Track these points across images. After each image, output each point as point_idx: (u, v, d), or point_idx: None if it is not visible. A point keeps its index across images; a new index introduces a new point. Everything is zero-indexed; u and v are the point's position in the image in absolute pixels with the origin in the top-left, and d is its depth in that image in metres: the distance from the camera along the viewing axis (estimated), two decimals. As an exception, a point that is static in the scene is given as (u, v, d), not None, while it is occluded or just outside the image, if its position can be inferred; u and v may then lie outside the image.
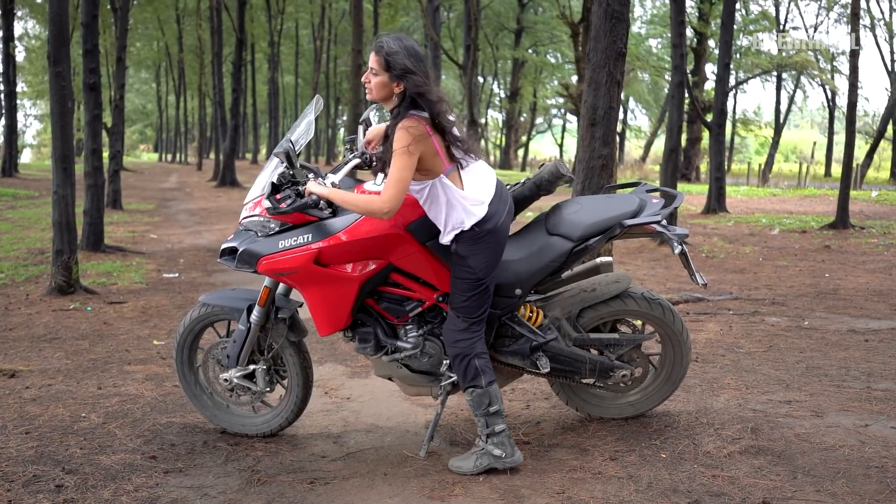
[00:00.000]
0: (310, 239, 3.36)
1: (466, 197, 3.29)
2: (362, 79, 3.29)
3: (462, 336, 3.39)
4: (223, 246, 3.59)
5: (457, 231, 3.30)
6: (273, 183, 3.41)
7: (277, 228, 3.46)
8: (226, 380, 3.78)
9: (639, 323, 3.89)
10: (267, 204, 3.35)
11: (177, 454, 3.65)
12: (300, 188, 3.35)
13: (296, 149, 3.40)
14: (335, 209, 3.41)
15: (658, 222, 3.54)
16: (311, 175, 3.46)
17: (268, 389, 3.81)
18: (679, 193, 3.82)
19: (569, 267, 3.66)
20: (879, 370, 4.90)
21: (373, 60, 3.20)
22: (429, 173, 3.25)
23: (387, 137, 3.26)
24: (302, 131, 3.59)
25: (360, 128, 3.72)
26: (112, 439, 3.79)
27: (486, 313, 3.44)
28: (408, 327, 3.58)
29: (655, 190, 3.89)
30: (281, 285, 3.69)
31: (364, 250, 3.37)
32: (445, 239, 3.34)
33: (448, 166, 3.27)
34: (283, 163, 3.33)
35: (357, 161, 3.62)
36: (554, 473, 3.38)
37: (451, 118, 3.27)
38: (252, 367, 3.76)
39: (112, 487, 3.26)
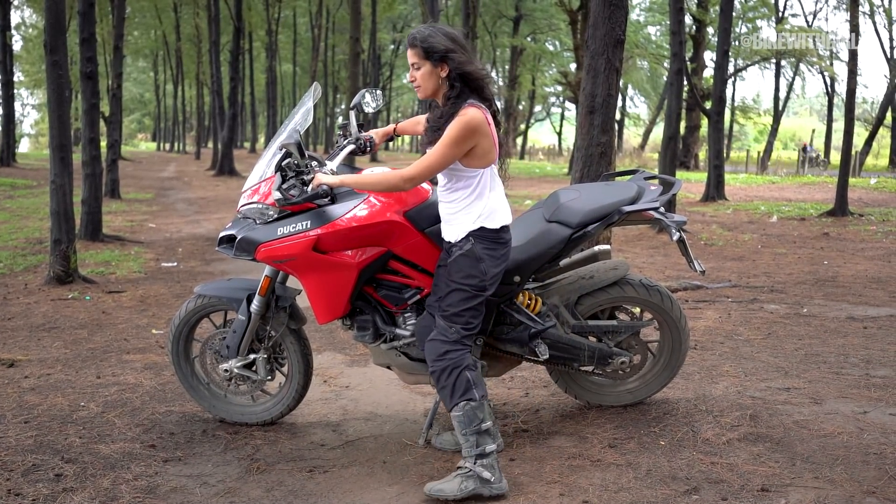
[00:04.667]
0: (308, 226, 3.35)
1: (503, 194, 3.22)
2: (408, 80, 3.16)
3: (453, 348, 3.15)
4: (221, 234, 3.58)
5: (483, 226, 3.13)
6: (279, 173, 3.39)
7: (276, 216, 3.45)
8: (225, 370, 3.77)
9: (637, 310, 3.89)
10: (277, 195, 3.31)
11: (176, 443, 3.65)
12: (305, 177, 3.33)
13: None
14: (334, 196, 3.40)
15: (656, 209, 3.53)
16: (315, 164, 3.44)
17: (268, 378, 3.82)
18: (677, 180, 3.81)
19: (567, 254, 3.66)
20: (878, 357, 4.90)
21: (411, 56, 3.08)
22: (483, 163, 3.10)
23: (437, 125, 3.10)
24: (300, 119, 3.57)
25: (352, 113, 3.70)
26: (111, 428, 3.79)
27: (479, 326, 3.27)
28: (406, 315, 3.57)
29: (654, 177, 3.89)
30: (279, 273, 3.68)
31: (363, 237, 3.36)
32: (464, 227, 3.14)
33: (496, 157, 3.17)
34: (292, 154, 3.30)
35: (352, 147, 3.62)
36: (553, 461, 3.39)
37: (494, 90, 3.15)
38: (252, 356, 3.76)
39: (111, 476, 3.26)
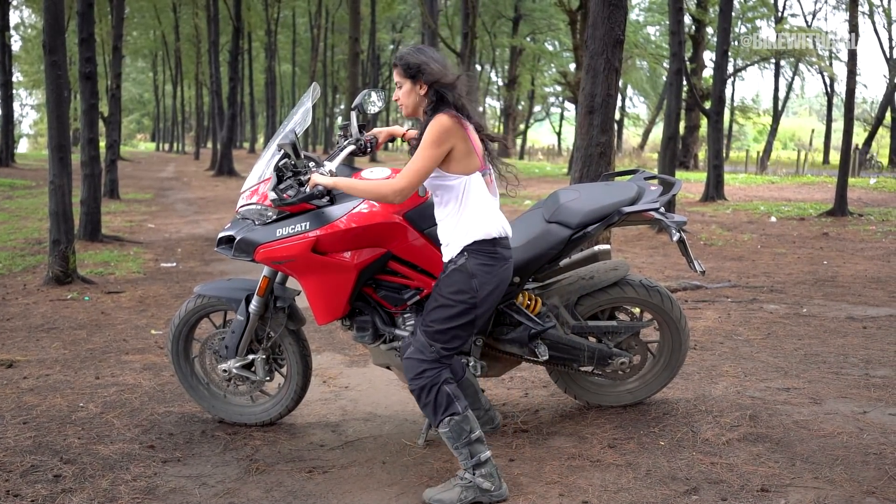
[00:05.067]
0: (308, 227, 3.35)
1: (496, 207, 3.14)
2: (393, 99, 3.20)
3: (430, 366, 3.07)
4: (220, 234, 3.57)
5: (477, 239, 3.06)
6: (275, 173, 3.38)
7: (274, 217, 3.44)
8: (224, 370, 3.77)
9: (637, 310, 3.88)
10: (273, 195, 3.30)
11: (175, 444, 3.64)
12: (302, 178, 3.33)
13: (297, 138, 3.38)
14: (333, 197, 3.39)
15: (656, 209, 3.53)
16: (312, 164, 3.44)
17: (267, 379, 3.81)
18: (677, 181, 3.81)
19: (567, 254, 3.66)
20: (877, 357, 4.90)
21: (395, 76, 3.13)
22: (464, 168, 3.05)
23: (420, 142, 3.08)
24: (299, 119, 3.57)
25: (353, 114, 3.70)
26: (110, 429, 3.78)
27: (460, 348, 3.18)
28: (406, 315, 3.56)
29: (654, 177, 3.88)
30: (278, 274, 3.68)
31: (362, 238, 3.35)
32: (459, 242, 3.08)
33: (483, 166, 3.12)
34: (288, 154, 3.29)
35: (352, 147, 3.61)
36: (552, 461, 3.38)
37: (476, 110, 3.13)
38: (251, 356, 3.76)
39: (110, 477, 3.25)
